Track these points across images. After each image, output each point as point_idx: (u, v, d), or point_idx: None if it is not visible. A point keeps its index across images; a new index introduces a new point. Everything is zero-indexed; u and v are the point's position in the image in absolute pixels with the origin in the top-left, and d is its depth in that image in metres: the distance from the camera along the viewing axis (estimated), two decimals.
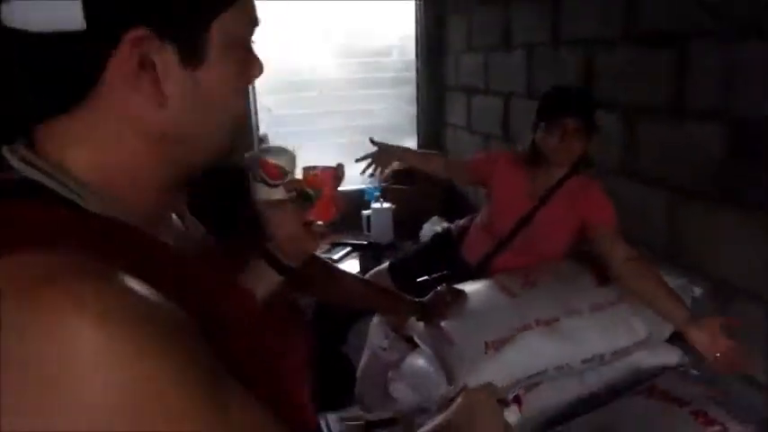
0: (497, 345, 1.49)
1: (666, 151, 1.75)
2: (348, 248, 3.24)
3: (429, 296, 1.61)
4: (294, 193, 0.90)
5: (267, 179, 0.97)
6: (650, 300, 1.52)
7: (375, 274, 2.14)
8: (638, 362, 1.65)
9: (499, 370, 1.46)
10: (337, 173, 0.95)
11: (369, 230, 3.27)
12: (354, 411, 1.87)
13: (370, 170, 2.12)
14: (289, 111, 3.71)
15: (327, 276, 1.59)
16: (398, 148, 2.17)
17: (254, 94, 3.57)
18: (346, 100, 3.72)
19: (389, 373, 1.83)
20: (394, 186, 3.59)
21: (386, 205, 3.29)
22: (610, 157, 1.96)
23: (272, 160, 0.98)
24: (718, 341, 1.36)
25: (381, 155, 2.09)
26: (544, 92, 1.77)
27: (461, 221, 2.15)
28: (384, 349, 1.90)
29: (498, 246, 1.84)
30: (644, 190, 1.84)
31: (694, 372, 1.61)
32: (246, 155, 0.98)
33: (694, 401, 1.43)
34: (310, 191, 0.89)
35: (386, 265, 2.15)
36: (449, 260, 2.01)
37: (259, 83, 3.56)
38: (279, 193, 0.94)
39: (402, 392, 1.73)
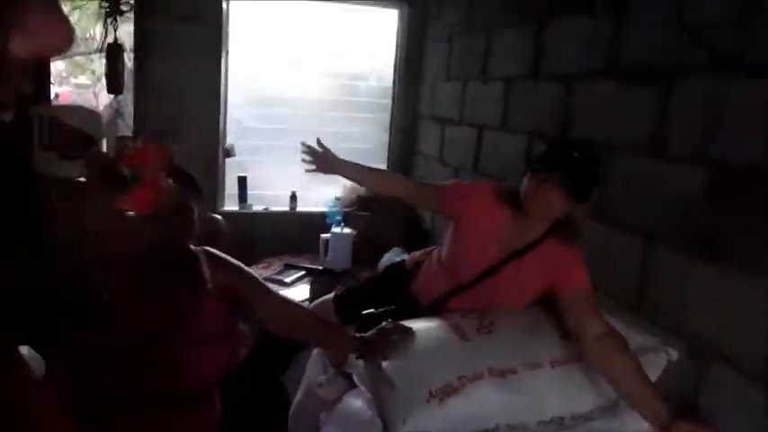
0: (443, 394, 1.30)
1: (643, 194, 1.62)
2: (301, 272, 3.04)
3: (371, 332, 1.45)
4: (101, 172, 0.70)
5: (63, 147, 0.75)
6: (623, 388, 1.34)
7: (319, 303, 1.96)
8: (602, 429, 1.48)
9: (442, 423, 1.28)
10: (163, 150, 0.76)
11: (326, 255, 3.08)
12: None
13: (306, 164, 1.92)
14: (258, 125, 3.54)
15: (263, 299, 1.43)
16: (352, 165, 1.89)
17: (225, 106, 3.39)
18: (320, 121, 3.57)
19: (322, 414, 1.63)
20: (356, 212, 3.44)
21: (346, 230, 3.12)
22: None
23: (67, 121, 0.75)
24: None
25: (324, 159, 1.88)
26: (551, 137, 1.63)
27: (417, 254, 1.97)
28: (320, 385, 1.69)
29: (455, 290, 1.66)
30: (615, 234, 1.71)
31: None
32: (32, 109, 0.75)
33: None
34: (126, 171, 0.69)
35: (331, 295, 1.96)
36: (399, 295, 1.82)
37: (232, 95, 3.45)
38: (76, 170, 0.72)
39: None
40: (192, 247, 1.37)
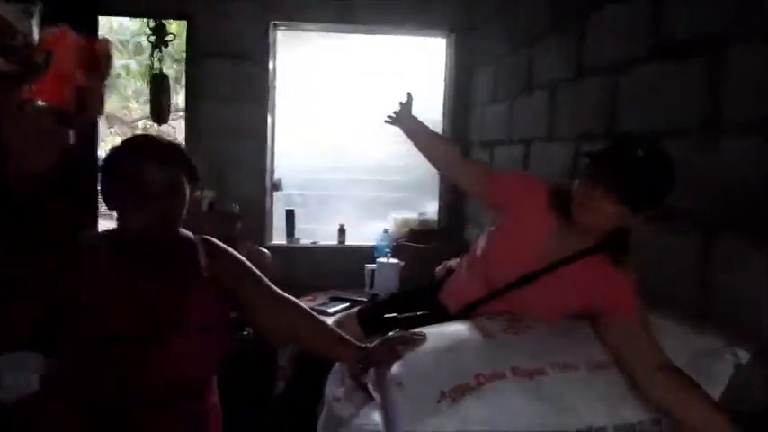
0: (455, 394, 1.12)
1: (699, 179, 1.40)
2: (346, 303, 2.92)
3: (376, 341, 1.32)
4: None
5: None
6: (691, 423, 1.10)
7: (343, 317, 1.83)
8: None
9: (454, 427, 1.09)
10: (98, 46, 0.66)
11: (371, 286, 2.96)
12: None
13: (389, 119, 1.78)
14: (306, 153, 3.55)
15: (265, 299, 1.34)
16: (420, 122, 1.71)
17: (272, 140, 3.46)
18: (367, 154, 3.55)
19: (323, 428, 1.47)
20: (407, 243, 3.32)
21: (392, 261, 3.00)
22: None
23: None
24: None
25: (405, 111, 1.74)
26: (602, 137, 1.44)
27: (449, 263, 1.80)
28: (337, 400, 1.53)
29: (486, 297, 1.47)
30: (669, 228, 1.47)
31: None
32: None
33: None
34: (40, 58, 0.61)
35: (355, 309, 1.83)
36: (427, 305, 1.65)
37: (280, 131, 3.51)
38: None
39: None
40: (187, 233, 1.31)
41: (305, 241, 3.47)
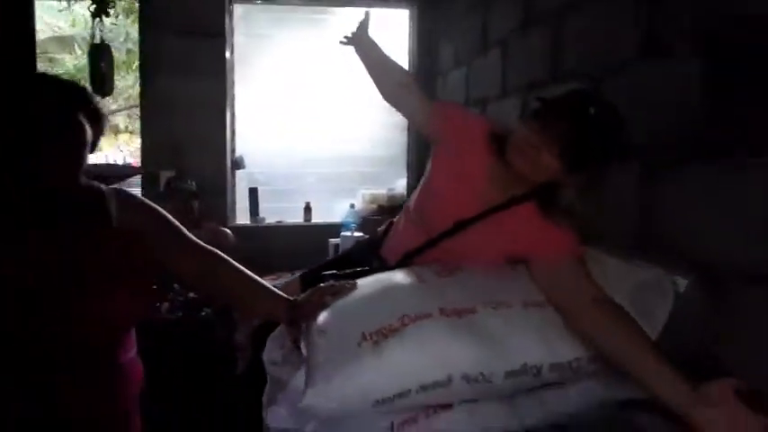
0: (378, 336, 1.05)
1: (635, 110, 1.32)
2: None
3: (304, 294, 1.24)
4: None
5: None
6: (630, 364, 1.03)
7: (287, 285, 1.75)
8: (595, 390, 1.16)
9: (377, 371, 1.02)
10: None
11: None
12: None
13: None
14: (271, 130, 3.46)
15: (183, 249, 1.25)
16: (375, 45, 1.55)
17: (232, 117, 3.37)
18: (334, 126, 3.47)
19: (279, 396, 1.39)
20: (374, 217, 3.25)
21: (357, 234, 2.93)
22: None
23: None
24: (740, 422, 0.89)
25: (361, 31, 1.60)
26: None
27: (395, 219, 1.73)
28: (275, 364, 1.46)
29: (424, 246, 1.38)
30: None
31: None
32: None
33: None
34: None
35: (298, 274, 1.75)
36: (368, 263, 1.57)
37: (240, 105, 3.41)
38: None
39: (279, 419, 1.27)
40: (96, 183, 1.22)
41: (270, 220, 3.39)
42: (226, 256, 1.31)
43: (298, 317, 1.22)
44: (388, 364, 1.02)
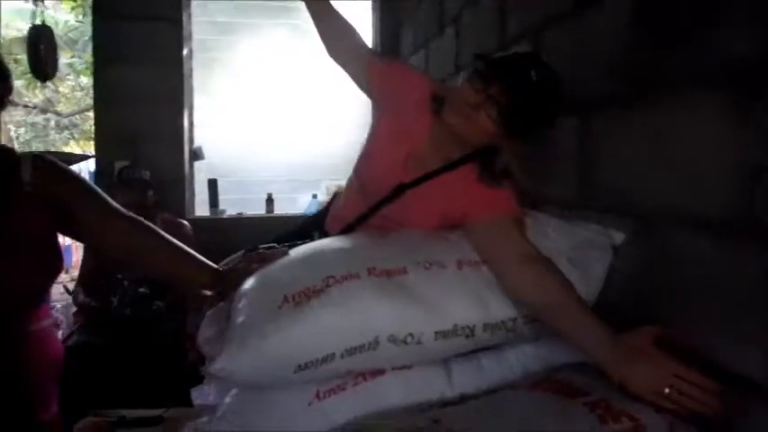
0: (300, 298, 0.98)
1: (569, 62, 1.28)
2: None
3: (231, 262, 1.21)
4: None
5: None
6: (558, 321, 1.00)
7: (230, 260, 1.68)
8: (535, 355, 1.11)
9: (298, 334, 0.95)
10: None
11: None
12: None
13: None
14: (226, 118, 3.37)
15: (102, 217, 1.18)
16: None
17: (190, 107, 3.28)
18: (295, 123, 3.40)
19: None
20: None
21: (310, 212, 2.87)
22: None
23: None
24: (662, 369, 0.85)
25: None
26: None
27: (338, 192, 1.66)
28: (207, 341, 1.39)
29: (364, 214, 1.32)
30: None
31: None
32: None
33: (595, 392, 0.88)
34: None
35: (240, 252, 1.68)
36: (312, 237, 1.50)
37: (199, 95, 3.32)
38: None
39: (203, 396, 1.20)
40: (8, 147, 1.15)
41: (230, 212, 3.30)
42: (152, 225, 1.24)
43: (225, 285, 1.16)
44: (310, 326, 0.96)
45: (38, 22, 2.73)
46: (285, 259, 1.13)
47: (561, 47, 1.36)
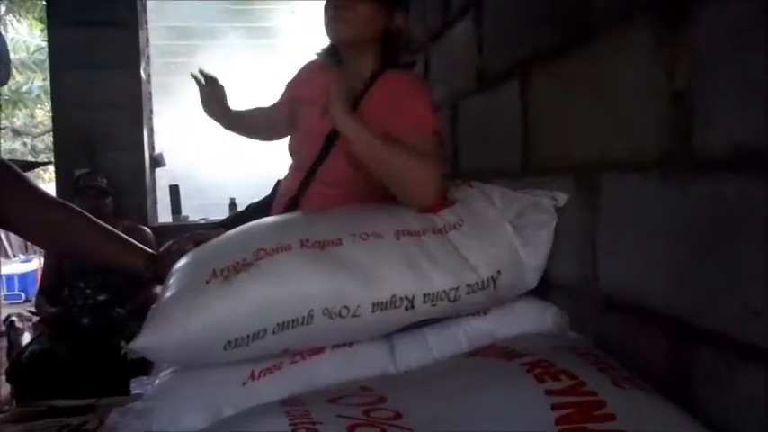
0: (229, 272, 0.93)
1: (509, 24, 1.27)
2: None
3: (166, 244, 1.17)
4: None
5: None
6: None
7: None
8: (483, 329, 1.07)
9: (226, 309, 0.90)
10: None
11: None
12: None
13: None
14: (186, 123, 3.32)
15: (35, 203, 1.14)
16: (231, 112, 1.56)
17: (150, 113, 3.22)
18: None
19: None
20: None
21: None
22: None
23: None
24: None
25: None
26: None
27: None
28: None
29: (303, 182, 1.32)
30: (487, 90, 1.35)
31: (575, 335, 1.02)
32: None
33: (534, 354, 0.84)
34: None
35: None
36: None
37: (157, 101, 3.25)
38: None
39: (139, 386, 1.14)
40: None
41: (193, 218, 3.24)
42: (81, 211, 1.19)
43: (160, 267, 1.11)
44: (239, 300, 0.90)
45: None
46: (219, 237, 1.08)
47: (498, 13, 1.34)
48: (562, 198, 1.06)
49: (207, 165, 3.31)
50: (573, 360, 0.80)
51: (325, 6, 1.22)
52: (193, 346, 0.90)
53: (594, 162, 0.98)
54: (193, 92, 1.53)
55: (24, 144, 9.48)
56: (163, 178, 3.25)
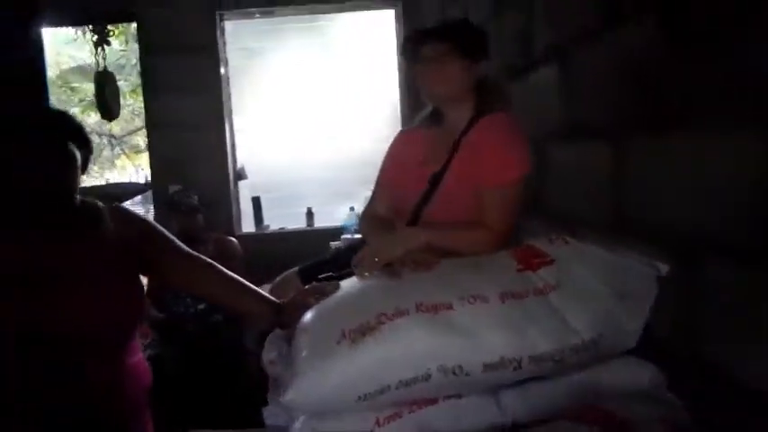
0: (356, 334, 1.06)
1: (599, 80, 1.32)
2: None
3: (291, 296, 1.30)
4: None
5: None
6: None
7: (284, 276, 1.82)
8: (585, 383, 1.16)
9: (356, 369, 1.03)
10: None
11: None
12: None
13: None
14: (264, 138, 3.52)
15: (172, 259, 1.34)
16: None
17: (231, 130, 3.42)
18: (332, 134, 3.51)
19: (270, 396, 1.42)
20: None
21: (357, 236, 2.95)
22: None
23: None
24: None
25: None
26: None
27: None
28: (271, 363, 1.49)
29: (412, 220, 1.45)
30: (580, 148, 1.41)
31: (671, 397, 1.10)
32: None
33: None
34: None
35: (295, 269, 1.79)
36: None
37: (238, 118, 3.45)
38: None
39: (275, 417, 1.29)
40: (94, 202, 1.30)
41: (274, 227, 3.43)
42: (213, 263, 1.37)
43: (285, 319, 1.26)
44: (366, 361, 1.03)
45: (100, 68, 2.93)
46: (338, 293, 1.22)
47: (591, 66, 1.40)
48: (664, 268, 1.11)
49: (284, 176, 3.49)
50: None
51: (415, 70, 1.34)
52: (330, 401, 1.04)
53: (688, 237, 1.04)
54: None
55: (102, 140, 10.10)
56: (244, 189, 3.46)
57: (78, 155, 1.19)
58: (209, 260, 1.37)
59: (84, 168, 1.25)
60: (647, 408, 0.96)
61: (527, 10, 1.74)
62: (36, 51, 2.41)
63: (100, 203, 1.31)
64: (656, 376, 1.11)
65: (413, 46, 1.37)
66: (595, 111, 1.36)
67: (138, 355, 1.36)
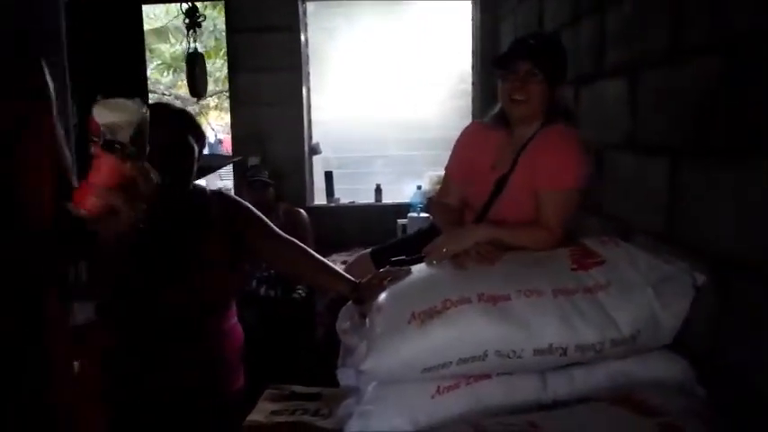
0: (424, 316, 1.25)
1: (664, 103, 1.42)
2: None
3: (367, 278, 1.49)
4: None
5: (91, 134, 0.86)
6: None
7: (357, 258, 2.01)
8: (622, 371, 1.30)
9: (423, 346, 1.22)
10: (118, 164, 0.87)
11: None
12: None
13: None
14: (339, 116, 3.72)
15: (269, 241, 1.55)
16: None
17: (308, 107, 3.64)
18: (400, 110, 3.67)
19: (340, 359, 1.65)
20: None
21: (423, 215, 3.13)
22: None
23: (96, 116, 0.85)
24: None
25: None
26: None
27: None
28: (344, 332, 1.72)
29: (475, 220, 1.61)
30: (638, 158, 1.51)
31: (700, 390, 1.23)
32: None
33: (670, 414, 1.08)
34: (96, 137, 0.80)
35: (369, 250, 1.99)
36: None
37: (315, 96, 3.67)
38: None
39: (348, 378, 1.52)
40: (202, 187, 1.52)
41: (344, 200, 3.66)
42: (298, 242, 1.58)
43: (361, 296, 1.46)
44: (432, 341, 1.22)
45: (191, 48, 3.19)
46: (410, 278, 1.40)
47: (657, 86, 1.49)
48: (700, 279, 1.23)
49: (356, 154, 3.69)
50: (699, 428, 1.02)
51: (502, 89, 1.47)
52: (399, 371, 1.24)
53: (726, 258, 1.15)
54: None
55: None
56: (317, 164, 3.69)
57: (196, 147, 1.41)
58: (295, 240, 1.58)
59: (199, 158, 1.47)
60: (677, 398, 1.10)
61: (602, 23, 1.82)
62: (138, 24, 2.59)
63: (207, 189, 1.53)
64: (687, 370, 1.24)
65: (506, 55, 1.49)
66: (657, 128, 1.45)
67: (235, 318, 1.62)
